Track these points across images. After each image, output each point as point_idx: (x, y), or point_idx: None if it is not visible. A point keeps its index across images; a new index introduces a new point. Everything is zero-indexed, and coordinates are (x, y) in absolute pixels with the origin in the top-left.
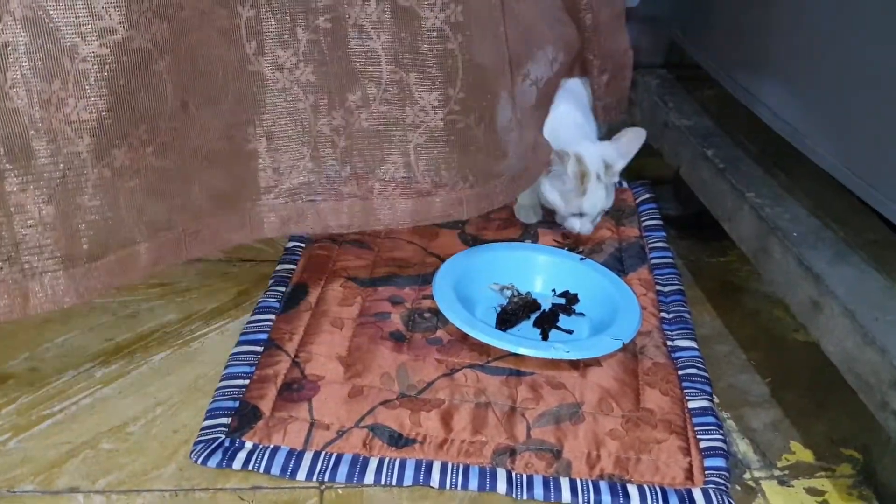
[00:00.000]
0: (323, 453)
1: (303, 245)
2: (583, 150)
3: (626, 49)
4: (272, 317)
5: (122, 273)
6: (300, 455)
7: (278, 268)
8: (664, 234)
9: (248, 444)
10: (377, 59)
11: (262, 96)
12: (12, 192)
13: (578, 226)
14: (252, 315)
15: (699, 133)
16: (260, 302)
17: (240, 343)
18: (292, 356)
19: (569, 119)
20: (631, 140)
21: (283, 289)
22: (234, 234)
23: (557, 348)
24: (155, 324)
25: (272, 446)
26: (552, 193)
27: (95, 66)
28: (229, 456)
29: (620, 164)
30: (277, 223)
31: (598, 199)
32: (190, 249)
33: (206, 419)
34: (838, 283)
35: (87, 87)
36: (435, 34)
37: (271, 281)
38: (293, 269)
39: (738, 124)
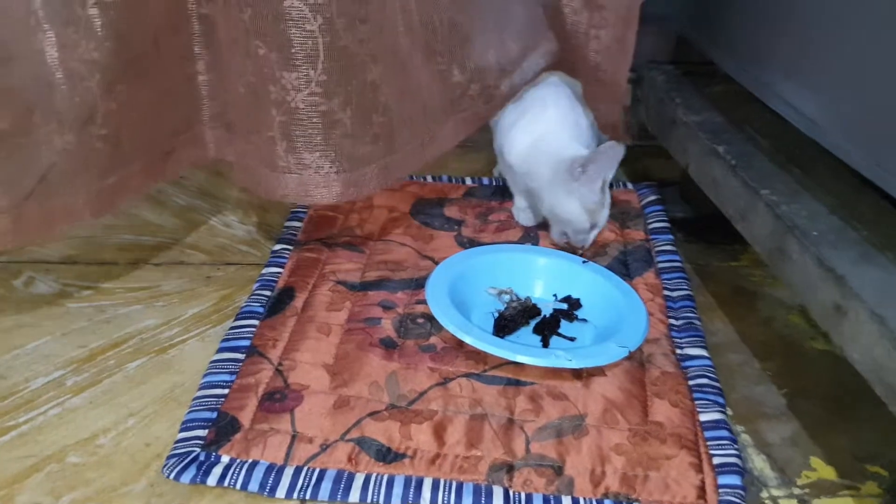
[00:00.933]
0: (305, 468)
1: (291, 248)
2: None
3: (620, 83)
4: (256, 322)
5: (123, 192)
6: (280, 470)
7: (264, 271)
8: (672, 236)
9: (225, 459)
10: (245, 32)
11: (206, 33)
12: (39, 125)
13: (589, 239)
14: (234, 320)
15: (709, 129)
16: (243, 307)
17: (220, 350)
18: (275, 364)
19: (568, 121)
20: (610, 157)
21: (268, 293)
22: (193, 154)
23: (559, 356)
24: (132, 329)
25: (250, 461)
26: (573, 205)
27: (101, 12)
28: (204, 471)
29: (609, 178)
30: (215, 148)
31: (608, 211)
32: (168, 167)
33: (181, 431)
34: (864, 286)
35: (96, 31)
36: (294, 13)
37: (256, 285)
38: (280, 273)
39: (750, 120)
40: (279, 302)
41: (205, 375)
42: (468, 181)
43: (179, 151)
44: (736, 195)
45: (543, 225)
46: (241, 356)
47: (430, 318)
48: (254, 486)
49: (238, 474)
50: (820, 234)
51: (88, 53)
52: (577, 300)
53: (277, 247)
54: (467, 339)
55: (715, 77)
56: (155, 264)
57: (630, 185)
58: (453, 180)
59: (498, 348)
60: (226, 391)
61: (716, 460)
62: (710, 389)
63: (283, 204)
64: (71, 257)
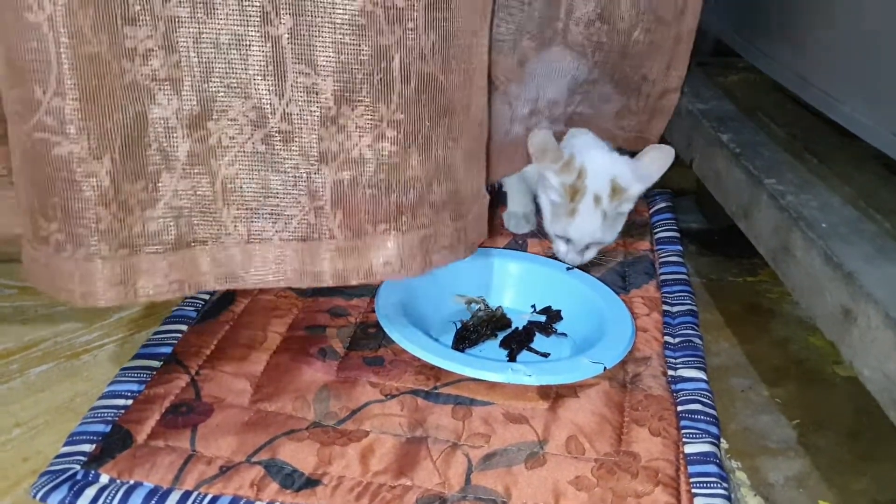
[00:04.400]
0: (195, 494)
1: None
2: (588, 161)
3: (671, 91)
4: (184, 328)
5: None
6: (165, 495)
7: None
8: (680, 248)
9: (104, 479)
10: None
11: None
12: None
13: (563, 252)
14: (160, 325)
15: (714, 117)
16: (174, 311)
17: (136, 357)
18: (192, 374)
19: None
20: (654, 160)
21: (207, 297)
22: None
23: (516, 370)
24: (47, 332)
25: (132, 482)
26: (544, 200)
27: None
28: (75, 492)
29: (636, 189)
30: None
31: (588, 226)
32: None
33: (64, 445)
34: (878, 285)
35: None
36: None
37: None
38: None
39: (765, 108)
40: (217, 307)
41: (110, 384)
42: None
43: None
44: (739, 188)
45: (535, 233)
46: (157, 364)
47: (383, 328)
48: None
49: (113, 497)
50: (830, 227)
51: None
52: (558, 312)
53: None
54: (409, 348)
55: (732, 68)
56: None
57: None
58: None
59: (444, 360)
60: (129, 402)
61: (698, 501)
62: (702, 417)
63: None
64: (9, 255)
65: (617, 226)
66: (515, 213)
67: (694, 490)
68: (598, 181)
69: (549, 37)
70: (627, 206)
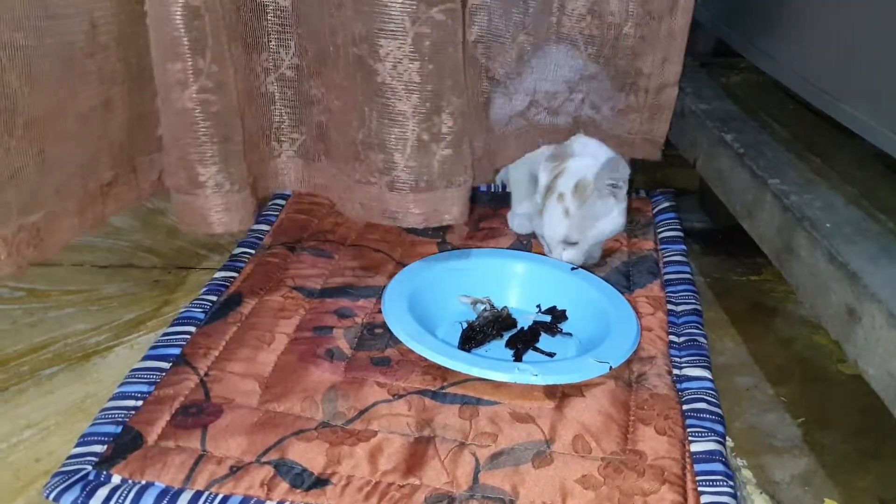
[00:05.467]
0: (206, 494)
1: (252, 252)
2: (571, 163)
3: (669, 86)
4: (192, 329)
5: None
6: (176, 495)
7: (216, 275)
8: (683, 247)
9: (116, 479)
10: None
11: None
12: None
13: (547, 250)
14: (169, 326)
15: (718, 117)
16: (182, 312)
17: (145, 358)
18: (201, 375)
19: None
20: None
21: (214, 298)
22: None
23: (522, 370)
24: (57, 334)
25: (144, 482)
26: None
27: None
28: (88, 492)
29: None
30: None
31: (553, 224)
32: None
33: (76, 446)
34: (882, 284)
35: None
36: None
37: (204, 289)
38: (234, 277)
39: (768, 108)
40: (224, 308)
41: (120, 385)
42: None
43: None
44: (743, 188)
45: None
46: (166, 365)
47: (390, 329)
48: None
49: (125, 497)
50: (834, 227)
51: None
52: (563, 312)
53: (238, 250)
54: (416, 348)
55: (734, 68)
56: (101, 267)
57: (643, 193)
58: None
59: (451, 360)
60: (139, 403)
61: (704, 499)
62: (707, 415)
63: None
64: None
65: (588, 226)
66: (519, 213)
67: (700, 488)
68: (566, 181)
69: (544, 31)
70: (594, 209)
